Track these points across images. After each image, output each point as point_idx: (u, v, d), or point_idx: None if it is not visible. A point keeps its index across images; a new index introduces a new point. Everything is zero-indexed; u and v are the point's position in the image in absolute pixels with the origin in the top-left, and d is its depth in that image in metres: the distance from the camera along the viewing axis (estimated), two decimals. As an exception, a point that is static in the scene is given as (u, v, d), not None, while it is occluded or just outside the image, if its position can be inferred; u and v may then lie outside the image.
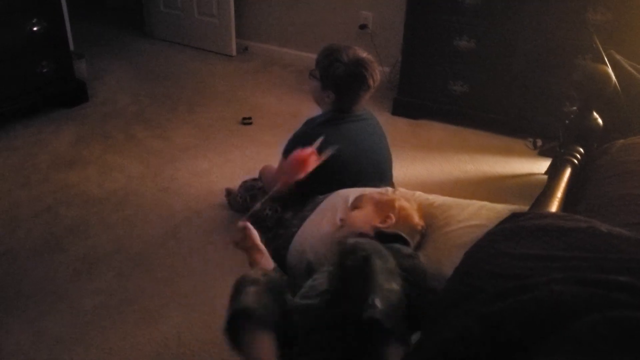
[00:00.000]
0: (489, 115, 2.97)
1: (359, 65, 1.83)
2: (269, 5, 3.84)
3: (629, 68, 2.12)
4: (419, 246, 1.40)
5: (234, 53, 3.94)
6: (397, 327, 1.02)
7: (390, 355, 1.02)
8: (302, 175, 1.47)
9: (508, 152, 2.84)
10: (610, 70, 1.77)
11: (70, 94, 3.12)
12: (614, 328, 0.68)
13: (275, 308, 1.11)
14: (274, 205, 1.97)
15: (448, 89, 3.00)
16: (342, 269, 1.10)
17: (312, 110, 2.02)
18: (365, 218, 1.39)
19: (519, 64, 2.81)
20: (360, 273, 1.05)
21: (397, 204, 1.40)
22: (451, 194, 1.71)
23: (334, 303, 1.11)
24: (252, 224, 1.38)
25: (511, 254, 0.94)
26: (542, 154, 2.71)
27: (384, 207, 1.40)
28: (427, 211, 1.49)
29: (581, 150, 1.70)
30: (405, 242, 1.33)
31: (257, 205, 1.51)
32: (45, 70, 2.89)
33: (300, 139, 1.90)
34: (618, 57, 2.15)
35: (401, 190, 1.67)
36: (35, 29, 2.79)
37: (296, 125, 1.98)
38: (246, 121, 3.05)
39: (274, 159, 2.05)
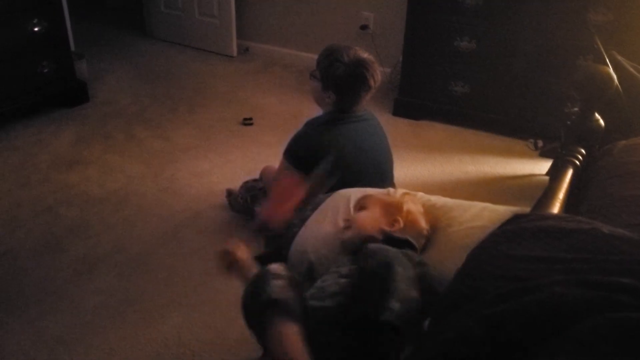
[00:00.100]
0: (490, 115, 2.97)
1: (360, 66, 1.83)
2: (270, 6, 3.83)
3: (631, 69, 2.12)
4: (423, 250, 1.40)
5: (235, 53, 3.94)
6: (410, 333, 1.03)
7: None
8: (290, 205, 1.48)
9: (509, 152, 2.84)
10: (611, 71, 1.77)
11: (70, 94, 3.12)
12: (616, 329, 0.67)
13: (299, 304, 1.11)
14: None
15: (449, 90, 3.00)
16: (363, 273, 1.10)
17: (313, 110, 2.02)
18: (372, 221, 1.36)
19: (520, 65, 2.81)
20: (381, 278, 1.06)
21: (405, 207, 1.39)
22: (452, 194, 1.71)
23: (348, 306, 1.11)
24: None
25: (513, 256, 0.94)
26: (543, 154, 2.71)
27: (392, 209, 1.38)
28: (429, 212, 1.49)
29: (583, 151, 1.69)
30: (413, 248, 1.32)
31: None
32: (45, 70, 2.89)
33: (301, 140, 1.90)
34: (619, 57, 2.15)
35: (405, 191, 1.66)
36: (35, 29, 2.79)
37: (297, 125, 1.98)
38: (247, 122, 3.05)
39: (274, 160, 2.05)
